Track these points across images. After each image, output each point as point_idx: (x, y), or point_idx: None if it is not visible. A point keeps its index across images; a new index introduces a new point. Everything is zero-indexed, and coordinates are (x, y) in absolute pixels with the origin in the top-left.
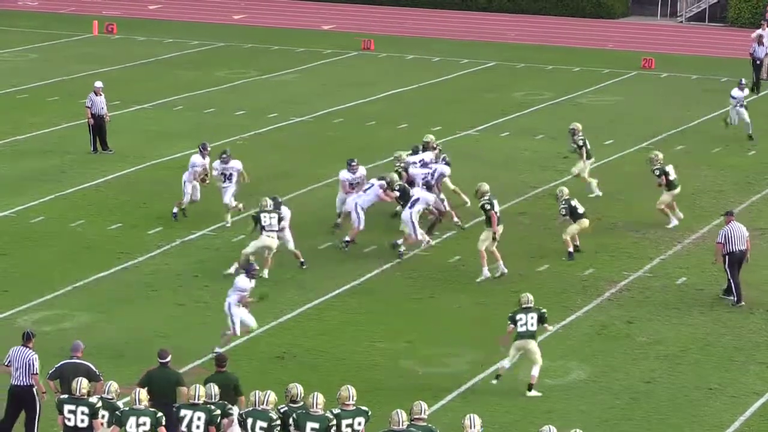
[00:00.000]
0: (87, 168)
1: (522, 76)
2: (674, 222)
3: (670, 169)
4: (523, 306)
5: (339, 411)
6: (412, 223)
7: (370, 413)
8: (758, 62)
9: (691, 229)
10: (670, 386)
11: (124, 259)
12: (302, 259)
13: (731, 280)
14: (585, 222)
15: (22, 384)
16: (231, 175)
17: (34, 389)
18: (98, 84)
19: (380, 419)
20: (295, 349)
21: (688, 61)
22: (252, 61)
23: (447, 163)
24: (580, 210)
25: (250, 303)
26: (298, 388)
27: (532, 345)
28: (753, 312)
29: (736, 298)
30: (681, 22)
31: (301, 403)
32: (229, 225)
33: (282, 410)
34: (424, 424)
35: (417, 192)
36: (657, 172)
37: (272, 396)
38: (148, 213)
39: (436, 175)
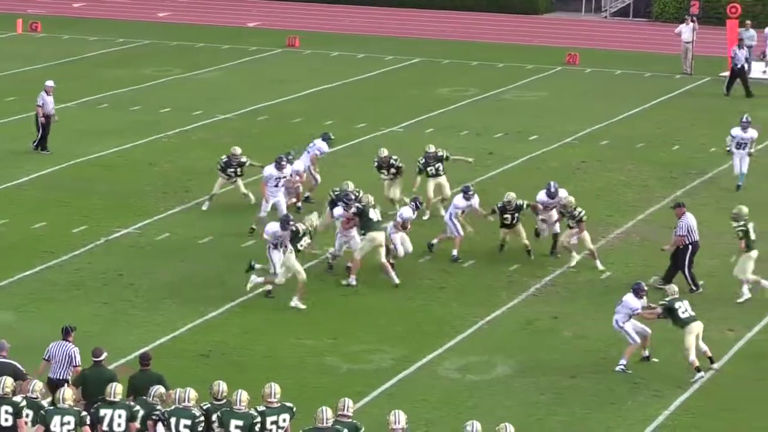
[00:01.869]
0: (10, 167)
1: (447, 72)
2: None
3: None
4: (674, 297)
5: (263, 408)
6: (452, 223)
7: (294, 410)
8: (739, 66)
9: (616, 224)
10: (595, 381)
11: (48, 257)
12: None
13: (688, 270)
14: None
15: (58, 377)
16: None
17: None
18: (49, 83)
19: (306, 416)
20: (221, 347)
21: (612, 56)
22: (177, 59)
23: None
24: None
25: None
26: (221, 386)
27: (700, 326)
28: None
29: (695, 287)
30: (605, 17)
31: (225, 400)
32: None
33: (205, 407)
34: (349, 420)
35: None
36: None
37: (193, 393)
38: (72, 211)
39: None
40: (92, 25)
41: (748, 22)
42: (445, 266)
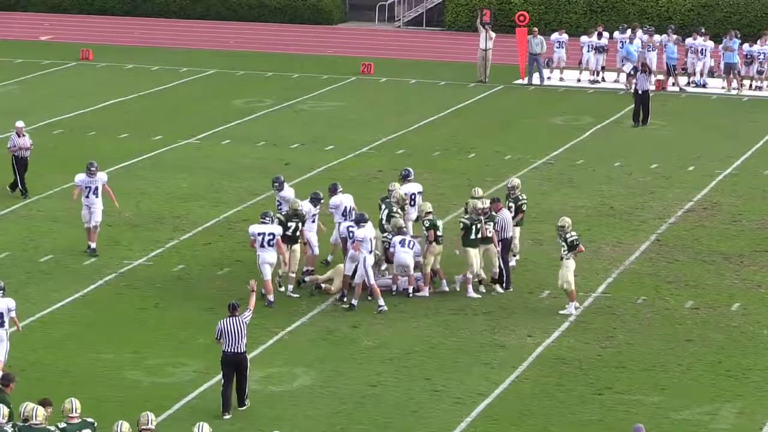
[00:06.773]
0: None
1: (242, 83)
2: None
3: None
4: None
5: (65, 425)
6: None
7: (96, 425)
8: (641, 92)
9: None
10: (396, 389)
11: None
12: None
13: (505, 267)
14: None
15: (236, 351)
16: None
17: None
18: (20, 124)
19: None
20: (21, 363)
21: (406, 65)
22: None
23: None
24: None
25: None
26: (28, 406)
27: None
28: (476, 314)
29: (506, 284)
30: (399, 26)
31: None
32: None
33: (18, 427)
34: None
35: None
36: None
37: (5, 410)
38: None
39: None
40: None
41: (536, 29)
42: (245, 277)
